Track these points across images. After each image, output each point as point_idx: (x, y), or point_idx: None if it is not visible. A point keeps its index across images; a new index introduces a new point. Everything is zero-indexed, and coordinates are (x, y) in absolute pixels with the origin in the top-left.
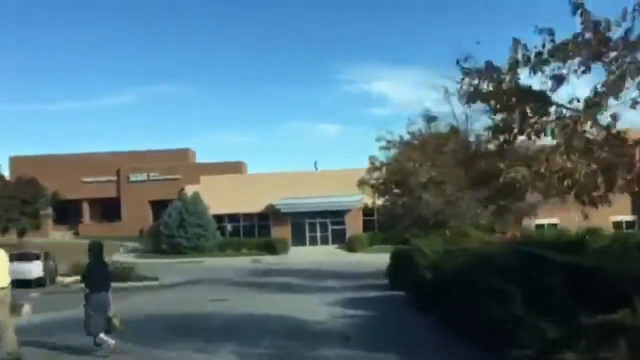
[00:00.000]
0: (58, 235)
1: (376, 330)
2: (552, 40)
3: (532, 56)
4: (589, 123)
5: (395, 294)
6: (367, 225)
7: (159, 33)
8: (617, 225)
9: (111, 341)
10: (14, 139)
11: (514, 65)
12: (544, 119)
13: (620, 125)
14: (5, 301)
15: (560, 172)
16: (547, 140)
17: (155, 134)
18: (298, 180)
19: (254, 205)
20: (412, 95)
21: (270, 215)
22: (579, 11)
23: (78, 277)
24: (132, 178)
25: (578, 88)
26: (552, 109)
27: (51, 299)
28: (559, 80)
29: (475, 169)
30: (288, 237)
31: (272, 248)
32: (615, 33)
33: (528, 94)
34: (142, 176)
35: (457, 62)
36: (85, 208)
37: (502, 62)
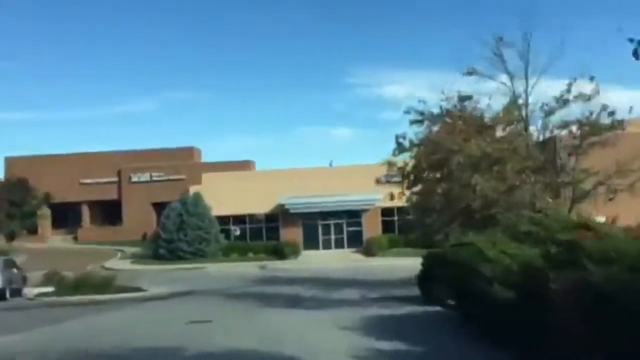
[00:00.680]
0: (58, 240)
1: None
2: None
3: None
4: None
5: (432, 309)
6: (386, 227)
7: (173, 39)
8: None
9: None
10: (14, 141)
11: None
12: None
13: None
14: None
15: None
16: None
17: (166, 138)
18: (310, 177)
19: (261, 205)
20: (426, 99)
21: (279, 216)
22: None
23: (50, 289)
24: (134, 179)
25: None
26: None
27: (4, 317)
28: None
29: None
30: (299, 240)
31: (281, 252)
32: None
33: None
34: (145, 176)
35: None
36: (85, 211)
37: None
